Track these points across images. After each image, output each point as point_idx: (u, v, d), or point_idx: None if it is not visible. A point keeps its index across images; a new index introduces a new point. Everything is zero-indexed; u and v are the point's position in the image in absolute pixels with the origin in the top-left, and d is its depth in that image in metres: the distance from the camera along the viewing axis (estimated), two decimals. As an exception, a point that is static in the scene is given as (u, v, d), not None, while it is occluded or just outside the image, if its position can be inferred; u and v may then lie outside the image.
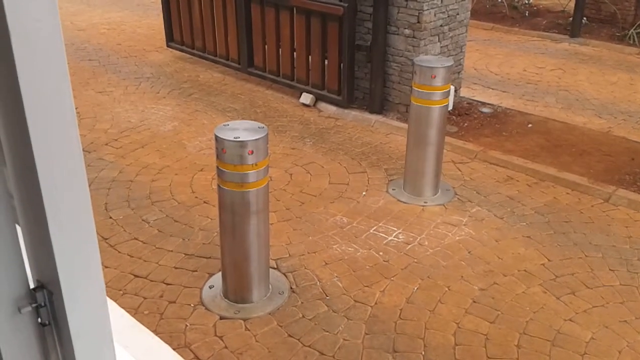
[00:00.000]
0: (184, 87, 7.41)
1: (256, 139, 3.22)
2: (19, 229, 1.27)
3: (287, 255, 4.15)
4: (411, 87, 4.78)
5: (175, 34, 8.40)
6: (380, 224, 4.54)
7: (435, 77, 4.54)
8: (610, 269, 4.06)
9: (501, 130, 6.21)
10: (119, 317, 2.88)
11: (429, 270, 4.01)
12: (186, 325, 3.50)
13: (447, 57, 6.39)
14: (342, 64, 6.40)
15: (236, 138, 3.20)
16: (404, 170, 5.04)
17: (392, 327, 3.51)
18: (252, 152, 3.23)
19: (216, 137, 3.25)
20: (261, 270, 3.66)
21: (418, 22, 5.92)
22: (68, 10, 11.05)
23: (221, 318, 3.56)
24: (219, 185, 3.43)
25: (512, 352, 3.34)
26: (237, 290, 3.67)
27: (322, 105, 6.79)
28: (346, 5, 6.05)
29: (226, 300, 3.69)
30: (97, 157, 5.53)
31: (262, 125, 3.36)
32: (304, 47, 6.68)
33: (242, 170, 3.27)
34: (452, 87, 6.54)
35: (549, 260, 4.14)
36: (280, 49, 7.00)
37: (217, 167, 3.36)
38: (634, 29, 9.66)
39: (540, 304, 3.72)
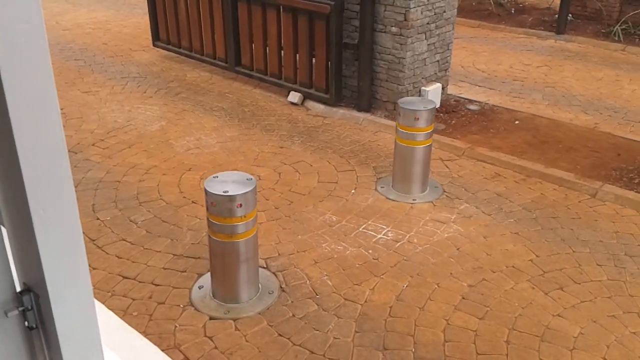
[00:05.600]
0: (171, 86, 7.38)
1: (245, 193, 3.34)
2: (4, 231, 1.26)
3: (277, 255, 4.14)
4: (396, 127, 4.87)
5: (162, 33, 8.36)
6: (369, 222, 4.54)
7: (418, 119, 4.65)
8: (597, 264, 4.09)
9: (488, 127, 6.24)
10: (107, 319, 2.86)
11: (418, 268, 4.02)
12: (176, 326, 3.48)
13: (434, 54, 6.42)
14: (329, 62, 6.39)
15: (225, 192, 3.32)
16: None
17: (382, 324, 3.51)
18: (241, 205, 3.36)
19: (206, 191, 3.37)
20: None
21: (405, 19, 5.93)
22: (53, 10, 10.96)
23: (211, 318, 3.55)
24: (209, 235, 3.55)
25: (501, 348, 3.35)
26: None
27: (310, 103, 6.78)
28: (333, 3, 6.04)
29: (216, 300, 3.67)
30: (84, 157, 5.48)
31: (250, 177, 3.48)
32: (292, 45, 6.67)
33: (231, 222, 3.40)
34: (440, 85, 6.56)
35: (536, 256, 4.17)
36: (267, 48, 6.98)
37: (207, 219, 3.49)
38: (619, 26, 9.75)
39: (529, 299, 3.74)
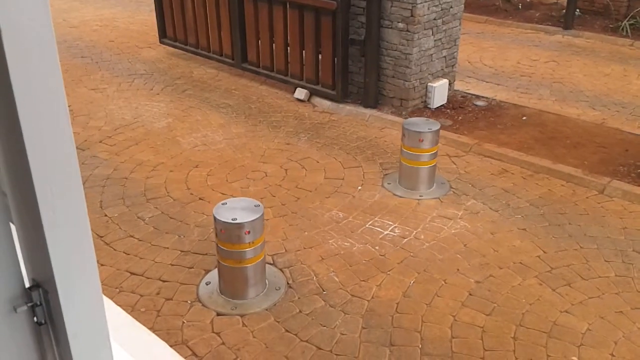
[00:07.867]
0: (178, 83, 7.39)
1: (253, 220, 3.41)
2: (13, 227, 1.27)
3: (284, 251, 4.15)
4: (401, 148, 4.90)
5: (169, 30, 8.37)
6: (376, 218, 4.54)
7: (422, 140, 4.69)
8: (605, 260, 4.08)
9: (496, 123, 6.21)
10: (115, 315, 2.87)
11: (425, 264, 4.02)
12: (183, 322, 3.49)
13: (441, 50, 6.40)
14: (336, 59, 6.38)
15: (234, 220, 3.38)
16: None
17: (389, 320, 3.51)
18: (249, 232, 3.42)
19: (215, 218, 3.44)
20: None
21: (411, 15, 5.91)
22: (60, 7, 10.99)
23: (218, 314, 3.56)
24: (218, 261, 3.62)
25: (508, 344, 3.35)
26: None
27: (317, 100, 6.78)
28: (339, -1, 6.04)
29: (223, 296, 3.69)
30: (91, 154, 5.51)
31: (258, 203, 3.53)
32: (298, 42, 6.66)
33: (240, 249, 3.47)
34: (446, 81, 6.54)
35: (544, 252, 4.16)
36: (273, 44, 6.98)
37: (217, 245, 3.56)
38: (627, 21, 9.68)
39: (536, 295, 3.73)
